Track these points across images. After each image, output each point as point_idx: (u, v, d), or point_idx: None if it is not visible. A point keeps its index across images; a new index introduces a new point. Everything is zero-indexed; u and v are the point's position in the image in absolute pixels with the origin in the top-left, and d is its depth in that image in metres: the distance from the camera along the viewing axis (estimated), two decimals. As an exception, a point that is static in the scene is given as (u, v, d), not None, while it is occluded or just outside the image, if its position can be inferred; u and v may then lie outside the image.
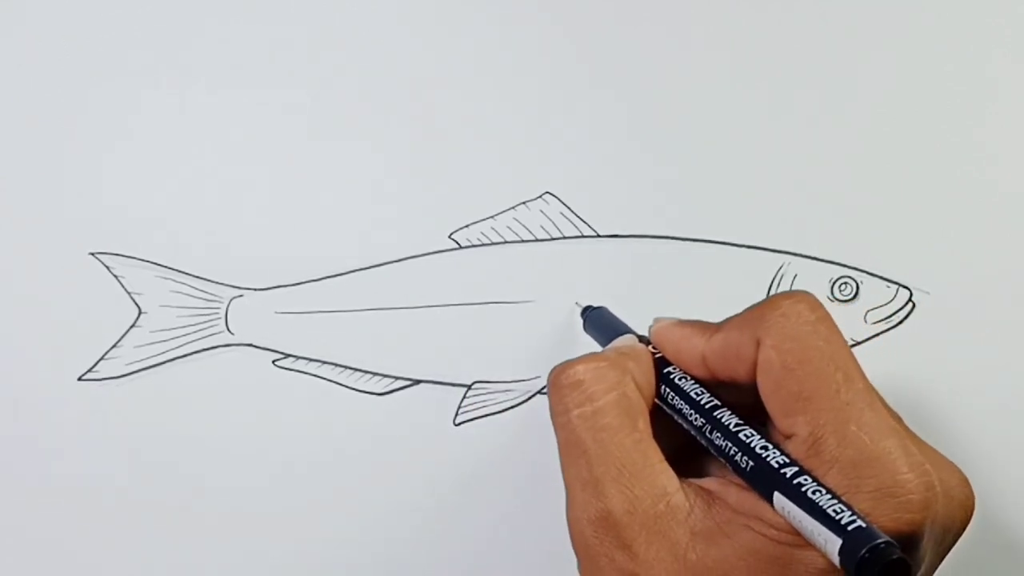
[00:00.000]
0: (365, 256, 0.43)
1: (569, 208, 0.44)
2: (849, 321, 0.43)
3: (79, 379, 0.42)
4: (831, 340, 0.31)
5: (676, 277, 0.43)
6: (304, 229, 0.43)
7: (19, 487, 0.42)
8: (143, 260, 0.43)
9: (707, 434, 0.31)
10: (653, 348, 0.35)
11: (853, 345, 0.43)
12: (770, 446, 0.30)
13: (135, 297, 0.43)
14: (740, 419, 0.31)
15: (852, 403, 0.30)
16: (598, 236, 0.44)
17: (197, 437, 0.42)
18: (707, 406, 0.32)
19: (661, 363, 0.34)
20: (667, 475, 0.31)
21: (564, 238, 0.44)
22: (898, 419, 0.31)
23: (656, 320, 0.36)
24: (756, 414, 0.31)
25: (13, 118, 0.43)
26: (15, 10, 0.43)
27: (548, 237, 0.44)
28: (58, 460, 0.42)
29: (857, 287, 0.43)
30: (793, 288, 0.43)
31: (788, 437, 0.30)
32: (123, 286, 0.43)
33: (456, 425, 0.43)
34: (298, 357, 0.43)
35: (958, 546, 0.31)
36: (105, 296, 0.43)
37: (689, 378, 0.33)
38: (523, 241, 0.44)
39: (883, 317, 0.43)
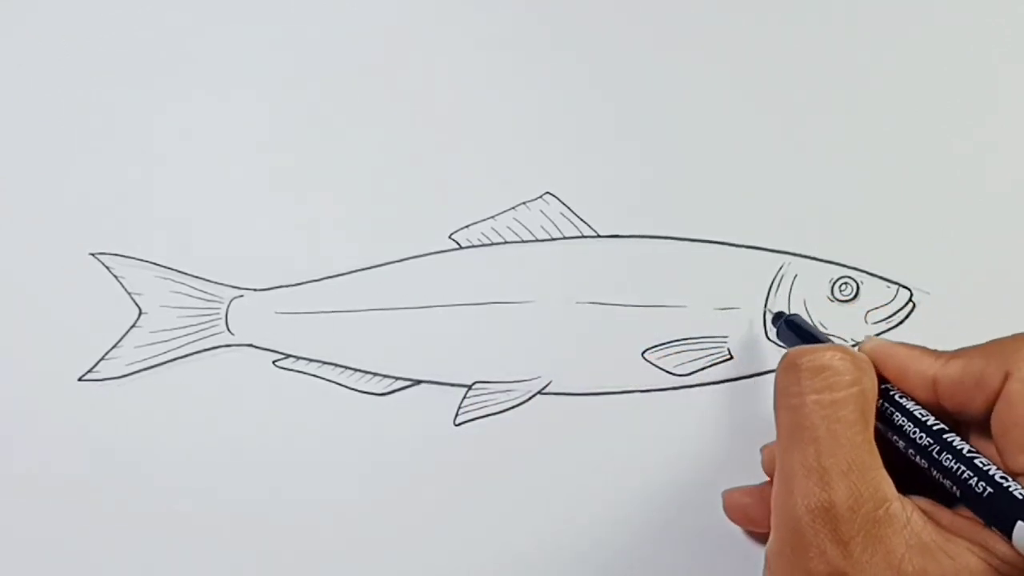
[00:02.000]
0: (365, 256, 0.43)
1: (569, 208, 0.44)
2: (849, 321, 0.43)
3: (79, 379, 0.42)
4: None
5: (676, 277, 0.43)
6: (304, 229, 0.43)
7: (19, 487, 0.42)
8: (143, 260, 0.43)
9: (934, 454, 0.31)
10: None
11: (853, 345, 0.43)
12: (1009, 477, 0.30)
13: (135, 297, 0.43)
14: (972, 446, 0.31)
15: None
16: (598, 236, 0.44)
17: (197, 437, 0.42)
18: (935, 427, 0.32)
19: (880, 379, 0.34)
20: (887, 482, 0.30)
21: (564, 238, 0.44)
22: None
23: (868, 338, 0.35)
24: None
25: (13, 118, 0.43)
26: (16, 10, 0.43)
27: (548, 237, 0.44)
28: (58, 460, 0.42)
29: (857, 287, 0.43)
30: (792, 288, 0.43)
31: (1017, 474, 0.30)
32: (123, 286, 0.43)
33: (456, 425, 0.43)
34: (298, 357, 0.43)
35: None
36: (105, 296, 0.43)
37: (906, 396, 0.33)
38: (523, 241, 0.44)
39: (883, 317, 0.43)
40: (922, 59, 0.45)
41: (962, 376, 0.32)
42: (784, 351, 0.34)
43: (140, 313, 0.43)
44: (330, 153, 0.44)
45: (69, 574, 0.42)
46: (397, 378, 0.43)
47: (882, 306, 0.43)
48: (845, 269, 0.43)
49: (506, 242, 0.44)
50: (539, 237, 0.44)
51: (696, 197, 0.44)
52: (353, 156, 0.44)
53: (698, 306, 0.43)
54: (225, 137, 0.43)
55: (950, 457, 0.31)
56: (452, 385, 0.43)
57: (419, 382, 0.43)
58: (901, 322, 0.43)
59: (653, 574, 0.41)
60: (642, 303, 0.43)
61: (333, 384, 0.43)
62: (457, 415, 0.43)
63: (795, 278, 0.43)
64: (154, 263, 0.43)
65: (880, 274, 0.43)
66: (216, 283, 0.43)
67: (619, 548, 0.42)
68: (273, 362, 0.43)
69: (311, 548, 0.42)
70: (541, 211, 0.44)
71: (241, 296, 0.43)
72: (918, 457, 0.32)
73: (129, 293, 0.43)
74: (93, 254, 0.43)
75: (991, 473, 0.30)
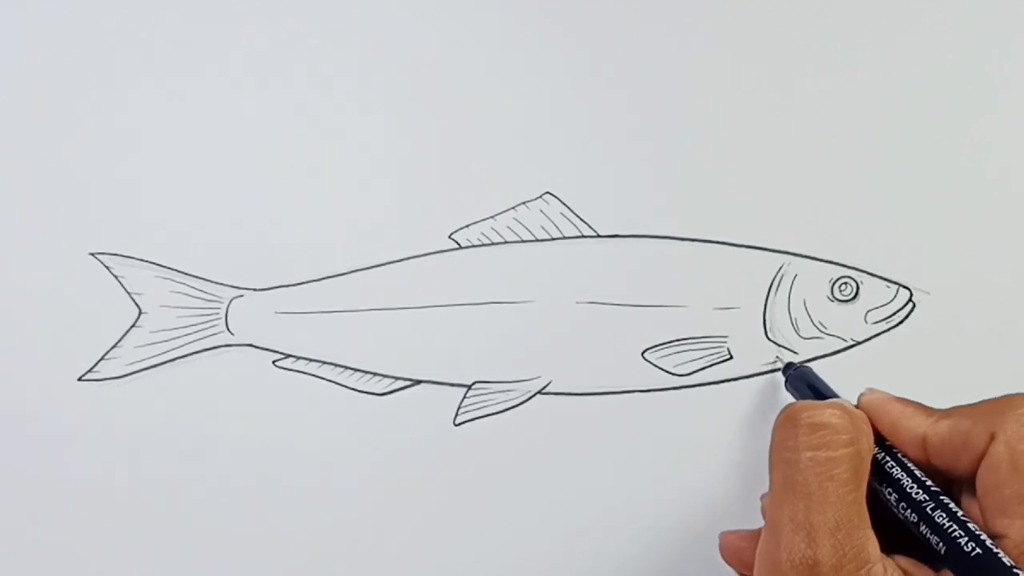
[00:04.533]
0: (365, 256, 0.43)
1: (569, 208, 0.44)
2: (849, 321, 0.43)
3: (79, 379, 0.42)
4: None
5: (676, 277, 0.43)
6: (304, 229, 0.43)
7: (19, 487, 0.42)
8: (143, 260, 0.43)
9: (928, 511, 0.31)
10: None
11: (853, 345, 0.43)
12: (995, 543, 0.30)
13: (135, 297, 0.43)
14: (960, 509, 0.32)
15: None
16: (598, 236, 0.44)
17: (197, 437, 0.42)
18: (931, 487, 0.32)
19: (875, 436, 0.34)
20: (873, 543, 0.31)
21: (564, 238, 0.44)
22: None
23: (869, 390, 0.36)
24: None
25: (13, 118, 0.43)
26: (16, 10, 0.43)
27: (548, 237, 0.44)
28: (58, 460, 0.42)
29: (857, 287, 0.43)
30: (792, 288, 0.43)
31: (998, 537, 0.31)
32: (123, 286, 0.43)
33: (456, 425, 0.43)
34: (298, 357, 0.43)
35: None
36: (105, 296, 0.43)
37: (905, 455, 0.34)
38: (523, 241, 0.44)
39: (883, 317, 0.43)
40: (922, 59, 0.45)
41: (951, 435, 0.33)
42: (786, 404, 0.34)
43: (140, 313, 0.43)
44: (330, 153, 0.44)
45: (69, 573, 0.42)
46: (397, 378, 0.43)
47: (882, 306, 0.43)
48: (845, 269, 0.43)
49: (506, 242, 0.44)
50: (539, 237, 0.44)
51: (696, 197, 0.44)
52: (353, 156, 0.44)
53: (698, 306, 0.43)
54: (225, 137, 0.43)
55: (943, 515, 0.31)
56: (452, 385, 0.43)
57: (419, 382, 0.43)
58: (901, 322, 0.43)
59: (653, 574, 0.41)
60: (642, 303, 0.43)
61: (333, 384, 0.43)
62: (457, 415, 0.43)
63: (795, 278, 0.43)
64: (154, 263, 0.43)
65: (880, 274, 0.43)
66: (216, 283, 0.43)
67: (619, 548, 0.42)
68: (273, 362, 0.43)
69: (311, 547, 0.42)
70: (541, 211, 0.44)
71: (241, 296, 0.43)
72: (910, 512, 0.32)
73: (129, 293, 0.43)
74: (93, 254, 0.43)
75: (982, 538, 0.30)
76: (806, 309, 0.43)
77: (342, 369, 0.43)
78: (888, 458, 0.33)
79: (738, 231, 0.44)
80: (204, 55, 0.44)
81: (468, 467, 0.42)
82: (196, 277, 0.43)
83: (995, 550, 0.30)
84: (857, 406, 0.35)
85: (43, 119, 0.43)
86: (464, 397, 0.43)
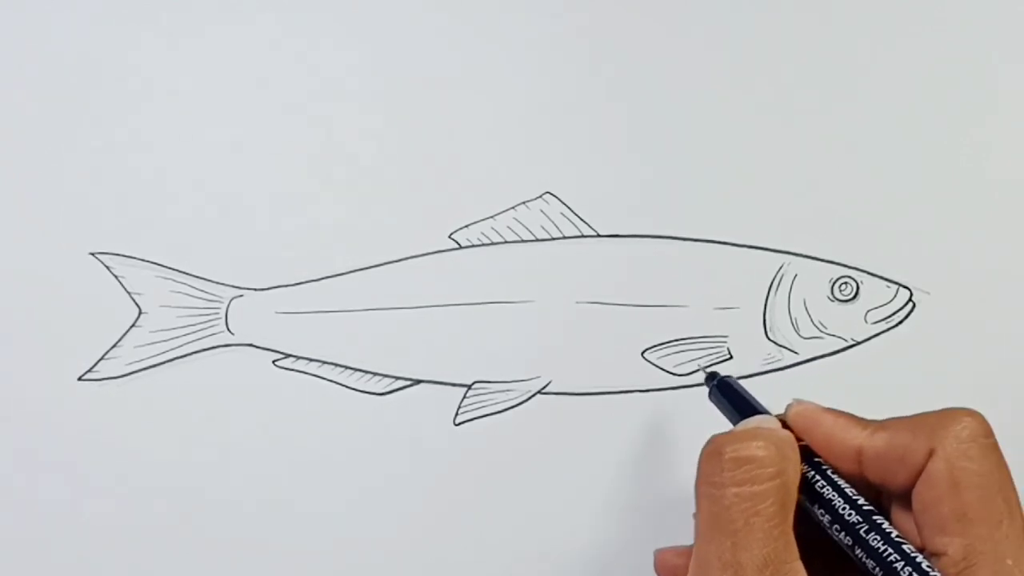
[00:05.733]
0: (365, 256, 0.43)
1: (569, 208, 0.44)
2: (849, 321, 0.43)
3: (79, 379, 0.42)
4: (1001, 467, 0.31)
5: (676, 277, 0.43)
6: (304, 229, 0.43)
7: (19, 487, 0.42)
8: (143, 260, 0.43)
9: (861, 533, 0.31)
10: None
11: (853, 345, 0.43)
12: (934, 567, 0.29)
13: (135, 297, 0.43)
14: (897, 530, 0.31)
15: (1010, 537, 0.30)
16: (598, 236, 0.44)
17: (197, 437, 0.42)
18: (864, 507, 0.31)
19: (805, 451, 0.33)
20: (801, 575, 0.30)
21: (564, 238, 0.44)
22: None
23: (796, 401, 0.34)
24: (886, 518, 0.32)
25: (13, 117, 0.43)
26: (16, 10, 0.43)
27: (548, 237, 0.44)
28: (58, 460, 0.42)
29: (857, 287, 0.43)
30: (792, 288, 0.43)
31: (936, 554, 0.30)
32: (123, 286, 0.43)
33: (456, 425, 0.43)
34: (298, 357, 0.43)
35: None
36: (105, 296, 0.43)
37: (836, 472, 0.33)
38: (523, 241, 0.44)
39: (883, 317, 0.43)
40: (922, 59, 0.45)
41: (888, 449, 0.32)
42: (709, 437, 0.33)
43: (140, 313, 0.43)
44: (330, 153, 0.44)
45: (69, 573, 0.42)
46: (397, 378, 0.43)
47: (882, 306, 0.43)
48: (845, 269, 0.43)
49: (506, 242, 0.44)
50: (539, 237, 0.44)
51: (696, 197, 0.44)
52: (353, 156, 0.44)
53: (698, 306, 0.43)
54: (225, 137, 0.43)
55: (878, 538, 0.30)
56: (452, 385, 0.43)
57: (419, 382, 0.43)
58: (901, 322, 0.43)
59: (652, 573, 0.41)
60: (642, 303, 0.43)
61: (333, 384, 0.43)
62: (457, 415, 0.43)
63: (795, 278, 0.43)
64: (154, 263, 0.43)
65: (880, 274, 0.43)
66: (216, 283, 0.43)
67: (618, 547, 0.42)
68: (273, 362, 0.43)
69: (311, 547, 0.42)
70: (541, 211, 0.44)
71: (241, 296, 0.43)
72: (843, 533, 0.31)
73: (129, 293, 0.43)
74: (93, 254, 0.43)
75: (918, 560, 0.29)
76: (806, 309, 0.43)
77: (342, 369, 0.43)
78: (819, 477, 0.32)
79: (738, 231, 0.44)
80: (204, 55, 0.44)
81: (468, 467, 0.42)
82: (196, 277, 0.43)
83: (932, 574, 0.29)
84: (785, 417, 0.34)
85: (43, 119, 0.43)
86: (464, 397, 0.43)
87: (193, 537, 0.42)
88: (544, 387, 0.43)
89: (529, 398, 0.43)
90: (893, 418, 0.33)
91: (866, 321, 0.43)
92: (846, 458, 0.33)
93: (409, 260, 0.43)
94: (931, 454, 0.31)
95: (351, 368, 0.43)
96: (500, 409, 0.43)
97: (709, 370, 0.39)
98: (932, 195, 0.44)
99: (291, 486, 0.42)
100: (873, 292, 0.43)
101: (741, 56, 0.44)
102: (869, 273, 0.44)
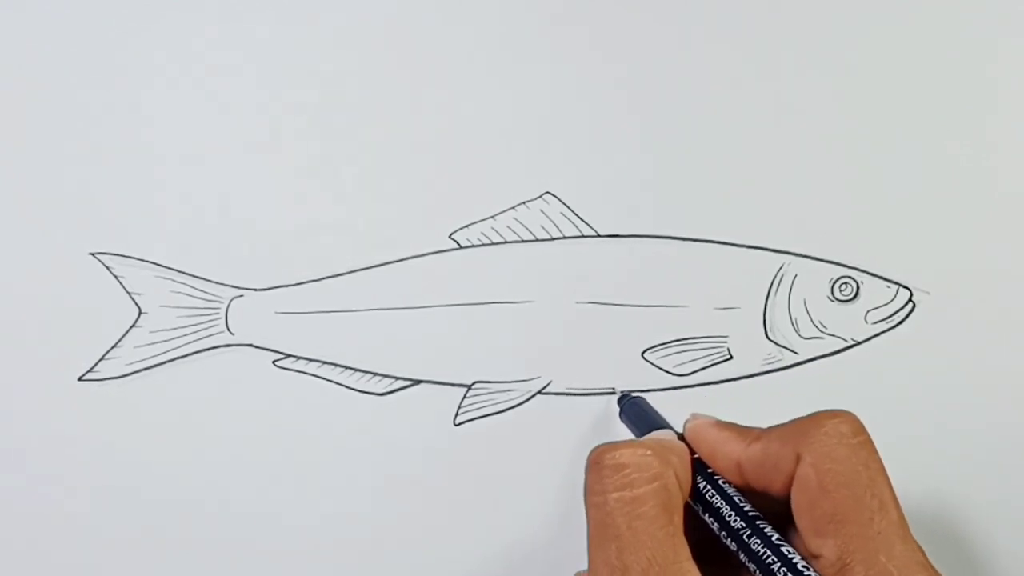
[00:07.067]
0: (365, 256, 0.43)
1: (569, 208, 0.44)
2: (849, 321, 0.43)
3: (79, 379, 0.42)
4: (870, 465, 0.31)
5: (676, 277, 0.43)
6: (304, 229, 0.43)
7: (19, 487, 0.42)
8: (143, 260, 0.43)
9: (744, 538, 0.31)
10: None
11: (852, 345, 0.43)
12: (811, 566, 0.30)
13: (135, 297, 0.43)
14: (778, 532, 0.31)
15: (884, 533, 0.30)
16: (598, 236, 0.44)
17: (197, 437, 0.42)
18: (749, 513, 0.32)
19: (699, 462, 0.34)
20: (693, 574, 0.31)
21: (564, 238, 0.44)
22: (924, 554, 0.31)
23: (693, 416, 0.36)
24: (779, 524, 0.32)
25: (13, 117, 0.43)
26: (16, 9, 0.43)
27: (548, 237, 0.44)
28: (58, 460, 0.42)
29: (857, 287, 0.43)
30: (792, 288, 0.43)
31: (815, 556, 0.31)
32: (123, 286, 0.43)
33: (456, 425, 0.43)
34: (298, 357, 0.43)
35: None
36: (105, 296, 0.43)
37: (727, 482, 0.33)
38: (523, 241, 0.44)
39: (883, 317, 0.43)
40: (922, 59, 0.45)
41: (762, 459, 0.33)
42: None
43: (140, 313, 0.43)
44: (330, 153, 0.44)
45: (69, 573, 0.42)
46: (397, 378, 0.43)
47: (882, 306, 0.43)
48: (845, 269, 0.43)
49: (506, 242, 0.44)
50: (539, 237, 0.44)
51: (696, 197, 0.44)
52: (353, 156, 0.44)
53: (698, 306, 0.43)
54: (225, 137, 0.43)
55: (758, 541, 0.31)
56: (452, 385, 0.43)
57: (419, 382, 0.43)
58: (901, 322, 0.43)
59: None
60: (642, 303, 0.43)
61: (333, 384, 0.43)
62: (457, 415, 0.43)
63: (795, 278, 0.43)
64: (154, 263, 0.43)
65: (880, 274, 0.43)
66: (216, 283, 0.43)
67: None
68: (273, 362, 0.43)
69: (311, 547, 0.42)
70: (541, 211, 0.44)
71: (241, 296, 0.43)
72: (729, 540, 0.32)
73: (129, 293, 0.43)
74: (93, 254, 0.43)
75: (794, 561, 0.30)
76: (806, 309, 0.43)
77: (342, 369, 0.43)
78: (709, 487, 0.33)
79: (738, 231, 0.44)
80: (204, 54, 0.44)
81: (468, 467, 0.42)
82: (196, 277, 0.43)
83: (807, 572, 0.30)
84: (683, 433, 0.35)
85: (43, 119, 0.43)
86: (464, 397, 0.43)
87: (193, 537, 0.42)
88: (544, 387, 0.43)
89: (529, 398, 0.43)
90: (771, 427, 0.34)
91: (866, 321, 0.43)
92: (729, 471, 0.34)
93: (409, 260, 0.43)
94: (798, 460, 0.31)
95: (351, 368, 0.43)
96: (500, 409, 0.43)
97: (621, 391, 0.42)
98: (932, 195, 0.44)
99: (291, 486, 0.42)
100: (873, 292, 0.43)
101: (741, 56, 0.44)
102: (869, 273, 0.44)
